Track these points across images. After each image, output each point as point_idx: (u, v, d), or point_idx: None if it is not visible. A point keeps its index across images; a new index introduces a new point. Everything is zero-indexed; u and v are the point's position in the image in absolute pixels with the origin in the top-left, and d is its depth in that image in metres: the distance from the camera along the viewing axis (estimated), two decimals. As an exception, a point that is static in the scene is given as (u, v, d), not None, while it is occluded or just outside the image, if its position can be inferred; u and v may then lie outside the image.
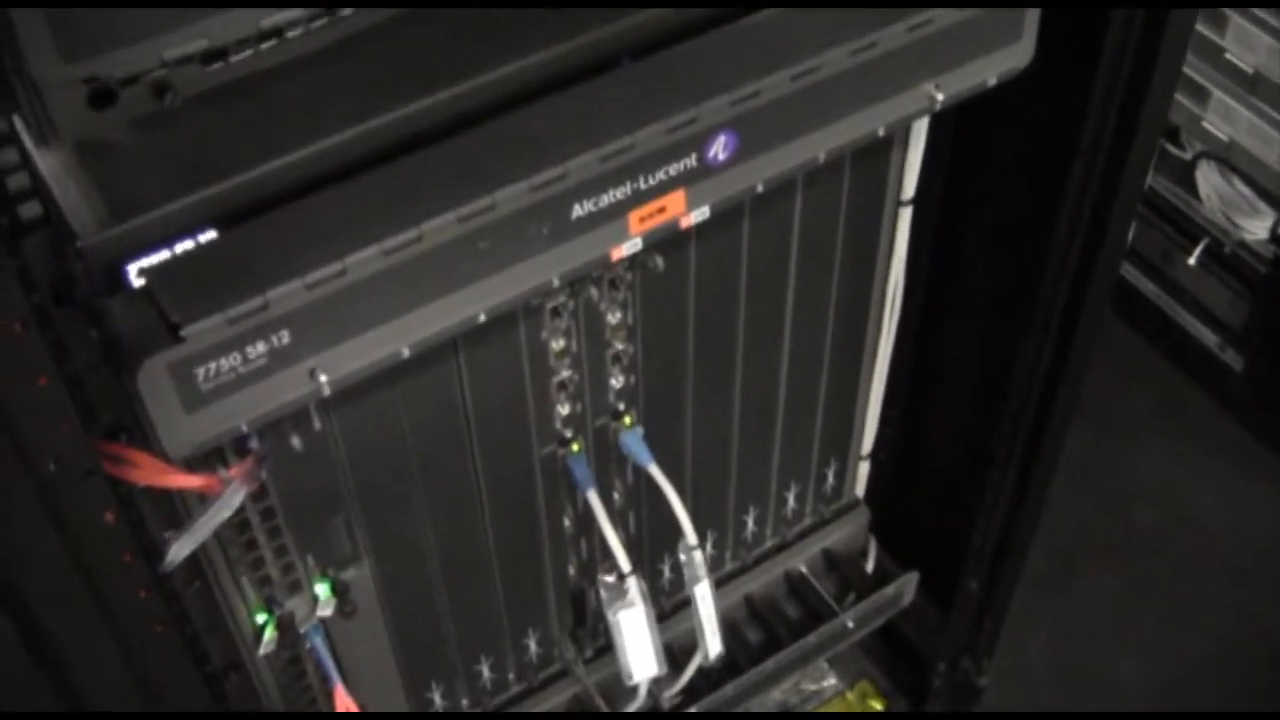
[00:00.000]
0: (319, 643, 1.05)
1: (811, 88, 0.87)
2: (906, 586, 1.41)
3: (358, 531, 1.02)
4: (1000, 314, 1.23)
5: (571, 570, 1.21)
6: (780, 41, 0.87)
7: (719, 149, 0.85)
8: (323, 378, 0.76)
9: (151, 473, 0.78)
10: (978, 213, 1.21)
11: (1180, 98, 1.90)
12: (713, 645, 1.20)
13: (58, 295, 0.75)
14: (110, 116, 0.75)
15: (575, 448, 1.09)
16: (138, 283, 0.74)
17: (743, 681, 1.32)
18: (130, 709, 0.88)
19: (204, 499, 0.86)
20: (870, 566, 1.44)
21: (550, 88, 0.83)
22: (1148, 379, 2.16)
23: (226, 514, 0.84)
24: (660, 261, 0.99)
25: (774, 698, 1.62)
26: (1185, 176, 2.01)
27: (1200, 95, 1.92)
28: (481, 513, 1.08)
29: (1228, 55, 1.86)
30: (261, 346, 0.73)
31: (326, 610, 1.04)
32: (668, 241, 0.93)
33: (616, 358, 1.06)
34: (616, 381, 1.08)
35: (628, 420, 1.11)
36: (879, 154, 1.11)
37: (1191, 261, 2.05)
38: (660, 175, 0.83)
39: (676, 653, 1.28)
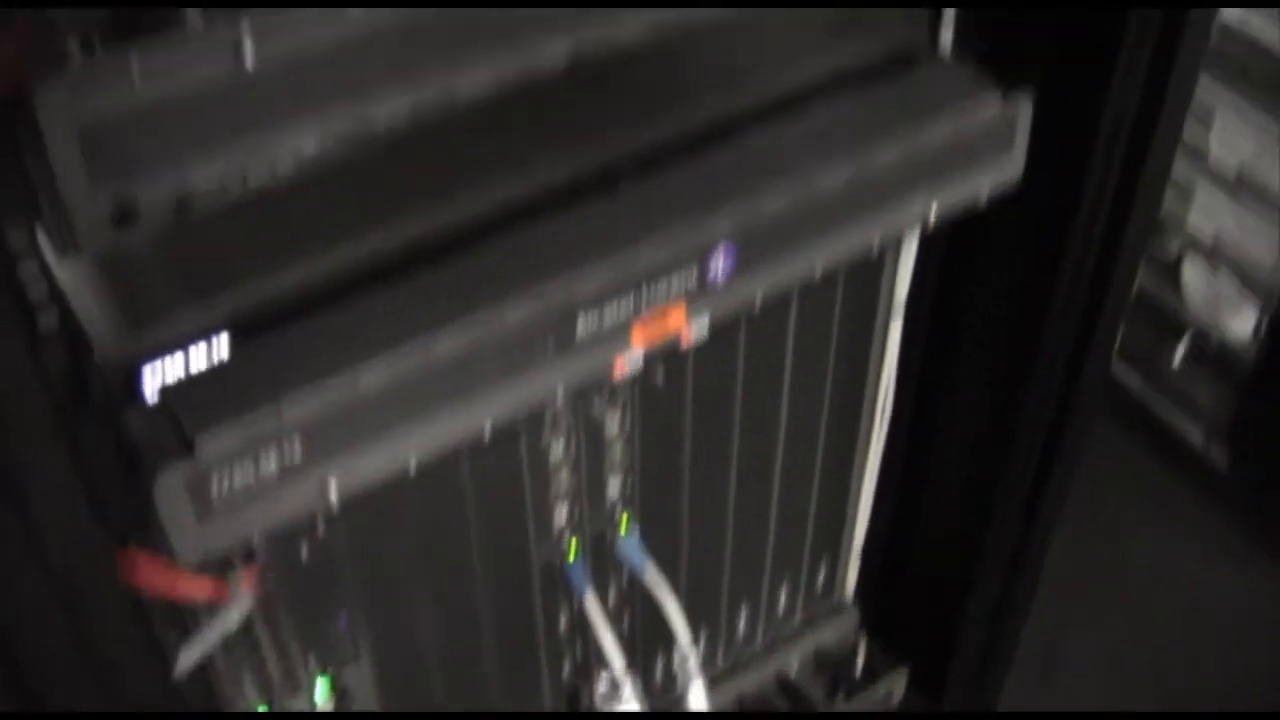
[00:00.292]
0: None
1: (808, 202, 0.90)
2: (896, 684, 1.42)
3: (358, 631, 1.03)
4: (990, 417, 1.25)
5: (567, 668, 1.22)
6: (780, 155, 0.90)
7: (718, 264, 0.87)
8: (333, 488, 0.78)
9: (163, 581, 0.79)
10: (967, 319, 1.23)
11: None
12: (706, 744, 1.21)
13: (74, 401, 0.78)
14: (131, 231, 0.77)
15: (572, 552, 1.11)
16: (154, 389, 0.76)
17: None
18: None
19: (211, 606, 0.87)
20: (861, 663, 1.45)
21: (558, 201, 0.86)
22: (1134, 475, 2.18)
23: (235, 622, 0.85)
24: (660, 372, 1.01)
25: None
26: (1171, 272, 2.05)
27: (1184, 193, 1.95)
28: (479, 613, 1.09)
29: (1212, 154, 1.89)
30: (274, 457, 0.75)
31: (326, 707, 1.05)
32: (667, 353, 0.96)
33: (614, 463, 1.08)
34: (614, 487, 1.09)
35: (624, 522, 1.12)
36: (871, 265, 1.13)
37: (1177, 358, 2.08)
38: (662, 288, 0.86)
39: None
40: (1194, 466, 2.11)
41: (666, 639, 1.19)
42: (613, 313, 0.84)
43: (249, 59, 0.63)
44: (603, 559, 1.15)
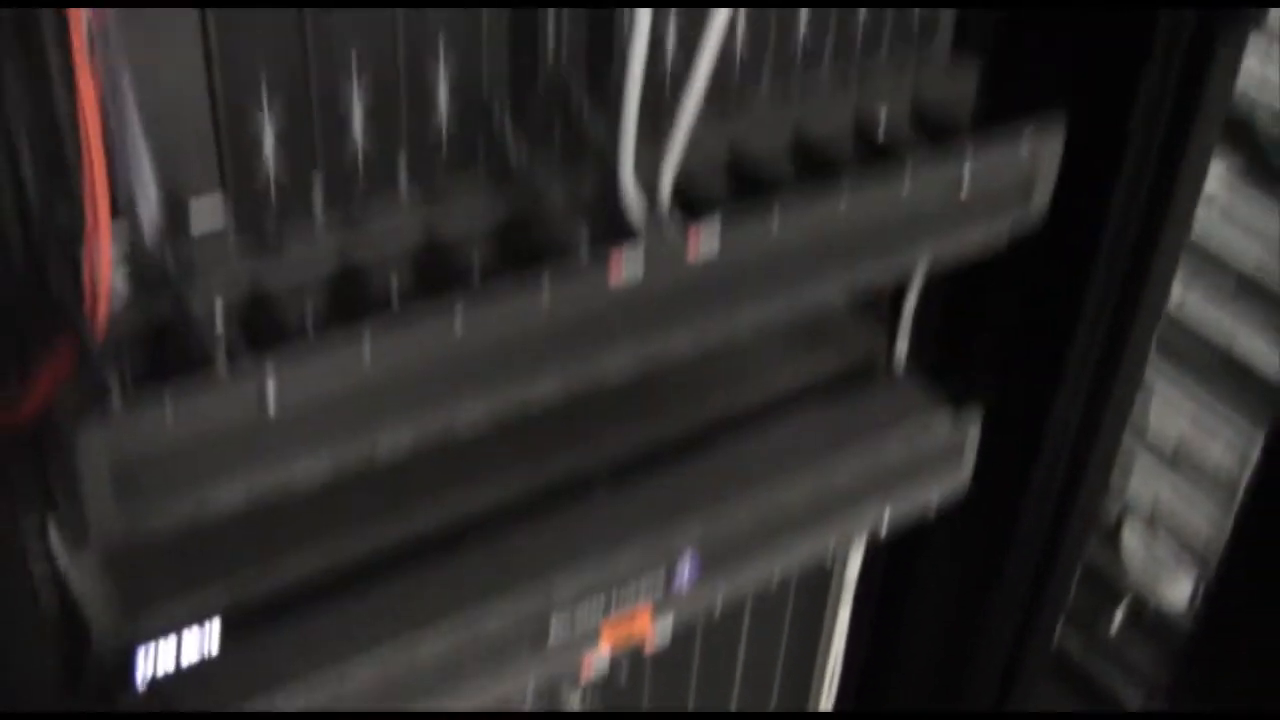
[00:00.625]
0: None
1: (769, 513, 0.96)
2: None
3: None
4: (934, 692, 1.30)
5: None
6: (744, 468, 0.97)
7: (684, 570, 0.93)
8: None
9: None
10: (911, 600, 1.29)
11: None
12: None
13: (70, 683, 0.82)
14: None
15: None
16: (145, 678, 0.80)
17: None
18: None
19: None
20: None
21: (536, 508, 0.92)
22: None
23: None
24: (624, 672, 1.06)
25: None
26: (1111, 537, 2.10)
27: (1124, 460, 2.02)
28: None
29: (1151, 427, 1.97)
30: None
31: None
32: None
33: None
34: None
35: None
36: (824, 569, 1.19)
37: (1115, 622, 2.13)
38: (630, 591, 0.91)
39: None
40: (1134, 732, 2.14)
41: None
42: (584, 615, 0.90)
43: (271, 404, 0.69)
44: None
